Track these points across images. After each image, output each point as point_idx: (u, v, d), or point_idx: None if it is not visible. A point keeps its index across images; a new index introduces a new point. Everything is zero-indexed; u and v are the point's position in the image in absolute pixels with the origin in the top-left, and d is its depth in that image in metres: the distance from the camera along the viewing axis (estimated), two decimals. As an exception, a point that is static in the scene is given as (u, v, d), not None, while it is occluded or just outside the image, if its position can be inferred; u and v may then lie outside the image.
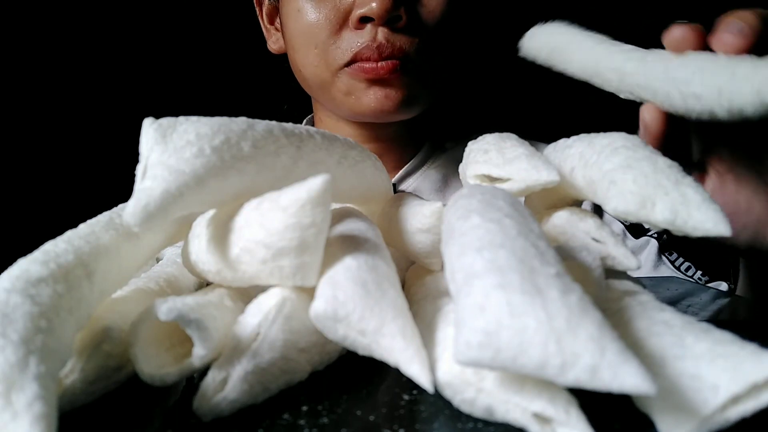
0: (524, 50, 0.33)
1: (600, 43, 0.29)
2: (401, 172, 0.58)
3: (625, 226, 0.56)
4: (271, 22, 0.60)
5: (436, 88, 0.53)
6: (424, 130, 0.60)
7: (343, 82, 0.48)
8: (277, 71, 0.62)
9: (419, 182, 0.58)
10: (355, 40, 0.46)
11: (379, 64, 0.46)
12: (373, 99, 0.48)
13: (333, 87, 0.49)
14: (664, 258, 0.54)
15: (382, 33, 0.46)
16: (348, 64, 0.47)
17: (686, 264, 0.54)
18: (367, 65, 0.46)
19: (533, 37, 0.33)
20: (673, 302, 0.33)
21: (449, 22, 0.49)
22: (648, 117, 0.28)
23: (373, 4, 0.44)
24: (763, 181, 0.29)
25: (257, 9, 0.61)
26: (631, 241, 0.56)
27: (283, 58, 0.57)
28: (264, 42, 0.61)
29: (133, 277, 0.24)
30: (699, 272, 0.53)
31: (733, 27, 0.25)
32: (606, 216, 0.53)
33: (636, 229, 0.55)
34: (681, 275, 0.53)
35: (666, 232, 0.19)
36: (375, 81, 0.47)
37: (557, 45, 0.30)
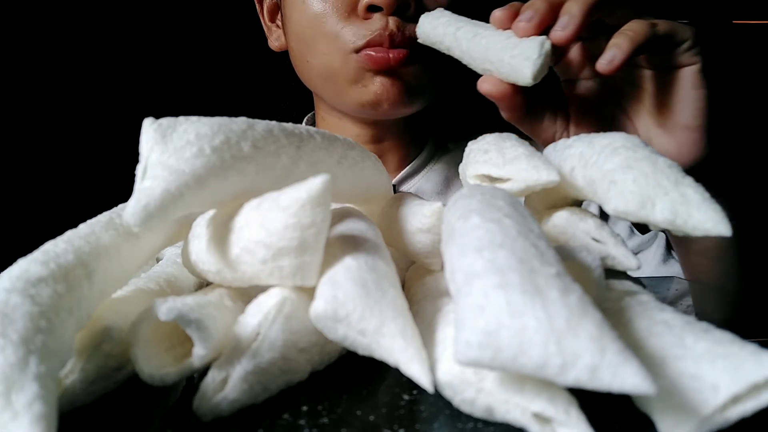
0: (420, 37, 0.39)
1: (462, 28, 0.36)
2: (403, 173, 0.57)
3: None
4: (272, 19, 0.59)
5: (440, 83, 0.52)
6: (427, 129, 0.59)
7: (351, 68, 0.48)
8: (277, 70, 0.62)
9: (421, 183, 0.57)
10: (366, 29, 0.46)
11: (390, 54, 0.46)
12: (379, 85, 0.48)
13: (340, 75, 0.49)
14: (673, 252, 0.53)
15: (393, 21, 0.45)
16: (359, 50, 0.47)
17: None
18: (377, 54, 0.46)
19: (422, 24, 0.39)
20: (673, 302, 0.33)
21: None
22: (493, 86, 0.35)
23: None
24: (602, 112, 0.39)
25: (258, 7, 0.60)
26: (638, 236, 0.55)
27: (283, 57, 0.57)
28: (263, 41, 0.61)
29: (133, 277, 0.24)
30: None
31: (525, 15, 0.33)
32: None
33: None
34: None
35: None
36: (382, 71, 0.47)
37: (440, 32, 0.37)
